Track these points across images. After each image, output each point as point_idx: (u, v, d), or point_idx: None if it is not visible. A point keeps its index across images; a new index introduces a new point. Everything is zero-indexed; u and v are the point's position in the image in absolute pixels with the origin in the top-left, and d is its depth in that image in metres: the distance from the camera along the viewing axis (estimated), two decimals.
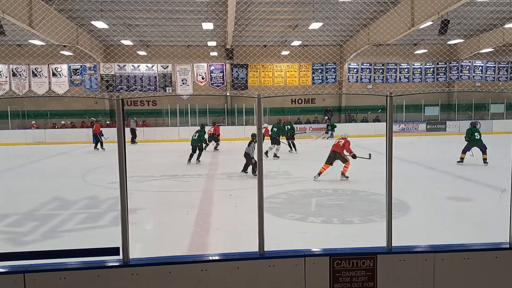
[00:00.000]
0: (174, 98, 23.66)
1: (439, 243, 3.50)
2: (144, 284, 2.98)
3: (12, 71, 21.98)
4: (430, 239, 5.36)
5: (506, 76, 25.48)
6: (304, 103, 26.17)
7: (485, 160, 11.51)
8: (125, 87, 23.09)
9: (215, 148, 17.14)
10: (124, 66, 23.07)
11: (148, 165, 13.34)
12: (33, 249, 4.96)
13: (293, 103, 25.79)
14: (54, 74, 22.26)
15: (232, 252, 3.33)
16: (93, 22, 17.07)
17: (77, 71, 22.51)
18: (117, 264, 2.98)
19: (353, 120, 25.60)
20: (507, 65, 25.39)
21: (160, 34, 20.73)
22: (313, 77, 24.60)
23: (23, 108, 22.44)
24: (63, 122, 23.46)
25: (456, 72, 25.27)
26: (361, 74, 25.10)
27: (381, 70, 25.25)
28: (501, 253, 3.27)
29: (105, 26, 17.84)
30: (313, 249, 3.21)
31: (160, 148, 17.13)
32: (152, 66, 23.36)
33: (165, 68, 23.43)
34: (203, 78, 23.61)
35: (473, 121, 17.08)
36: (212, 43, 22.96)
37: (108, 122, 23.82)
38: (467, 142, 11.80)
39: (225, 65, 23.92)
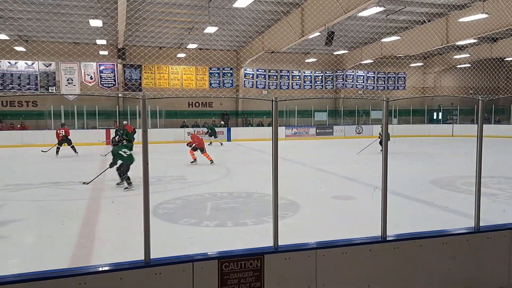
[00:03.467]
0: (58, 98, 21.72)
1: (324, 240, 3.74)
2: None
3: None
4: (317, 237, 5.72)
5: (383, 85, 28.67)
6: (202, 106, 26.14)
7: None
8: (0, 86, 20.50)
9: (75, 152, 15.95)
10: (0, 62, 20.48)
11: (27, 171, 12.02)
12: None
13: (190, 106, 25.60)
14: None
15: (116, 262, 3.13)
16: None
17: None
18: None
19: (249, 124, 26.33)
20: (384, 76, 28.60)
21: (42, 29, 18.82)
22: (210, 81, 24.74)
23: None
24: None
25: (341, 80, 27.66)
26: (257, 79, 25.99)
27: (275, 77, 26.45)
28: (374, 246, 3.61)
29: None
30: (201, 253, 3.18)
31: (42, 153, 15.52)
32: (33, 64, 21.17)
33: (47, 66, 21.39)
34: (91, 78, 22.13)
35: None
36: (101, 42, 21.56)
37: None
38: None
39: (117, 65, 22.72)
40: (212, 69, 24.59)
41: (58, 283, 2.75)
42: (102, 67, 22.29)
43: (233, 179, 11.26)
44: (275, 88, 26.39)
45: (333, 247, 3.51)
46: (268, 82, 26.27)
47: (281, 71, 26.47)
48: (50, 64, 21.35)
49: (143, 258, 3.01)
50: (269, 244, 3.36)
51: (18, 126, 21.54)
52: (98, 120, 22.41)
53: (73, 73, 21.58)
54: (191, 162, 13.38)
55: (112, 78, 22.61)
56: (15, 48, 20.84)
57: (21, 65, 20.99)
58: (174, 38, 20.87)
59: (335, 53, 25.77)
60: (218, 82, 24.95)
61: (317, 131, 25.81)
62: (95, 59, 22.32)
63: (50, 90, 21.52)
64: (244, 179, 10.95)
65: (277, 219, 3.36)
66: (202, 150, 13.30)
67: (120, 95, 22.93)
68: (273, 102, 3.34)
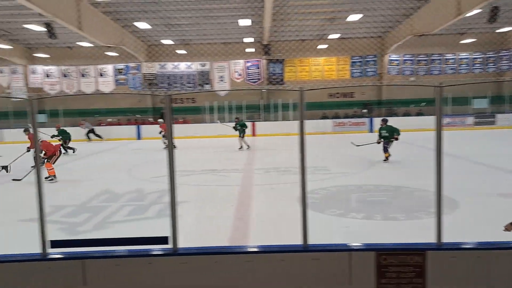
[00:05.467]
0: (212, 95, 24.02)
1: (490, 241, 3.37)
2: (192, 272, 3.09)
3: (63, 72, 23.17)
4: (479, 237, 5.17)
5: None
6: (343, 97, 25.77)
7: None
8: (166, 85, 23.72)
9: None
10: (165, 65, 23.69)
11: (190, 160, 13.68)
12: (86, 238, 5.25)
13: (331, 97, 25.47)
14: (100, 74, 23.25)
15: (275, 244, 3.38)
16: (136, 23, 17.65)
17: (122, 70, 23.38)
18: (167, 252, 3.11)
19: (394, 114, 24.94)
20: None
21: (199, 32, 21.10)
22: (351, 70, 24.14)
23: (73, 107, 23.61)
24: (109, 119, 24.48)
25: (507, 62, 23.95)
26: (403, 66, 24.35)
27: (424, 62, 24.38)
28: None
29: (148, 27, 18.39)
30: (359, 244, 3.20)
31: (200, 144, 17.48)
32: (191, 64, 23.83)
33: (203, 66, 23.82)
34: (239, 75, 23.80)
35: None
36: (248, 40, 23.07)
37: (150, 119, 24.61)
38: None
39: (261, 61, 23.97)
40: (354, 58, 23.96)
41: (228, 258, 3.11)
42: (248, 64, 23.81)
43: (377, 171, 10.88)
44: (424, 74, 24.33)
45: (508, 248, 3.13)
46: (417, 68, 24.37)
47: (431, 55, 24.26)
48: (205, 64, 23.74)
49: (298, 243, 3.17)
50: (426, 240, 3.20)
51: (180, 120, 24.58)
52: (245, 113, 24.07)
53: (224, 71, 23.59)
54: (47, 178, 9.83)
55: (257, 73, 23.96)
56: (177, 51, 23.83)
57: (182, 66, 23.86)
58: (315, 30, 21.01)
59: (498, 30, 22.43)
60: (360, 71, 24.21)
61: (476, 120, 22.97)
62: (243, 57, 23.97)
63: (205, 88, 23.98)
64: (389, 172, 10.48)
65: (441, 214, 3.16)
66: (50, 159, 10.06)
67: (263, 88, 24.17)
68: (437, 88, 3.13)
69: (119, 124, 24.44)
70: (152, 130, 22.30)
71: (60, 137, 15.07)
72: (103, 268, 3.08)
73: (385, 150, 11.80)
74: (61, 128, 15.82)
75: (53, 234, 3.29)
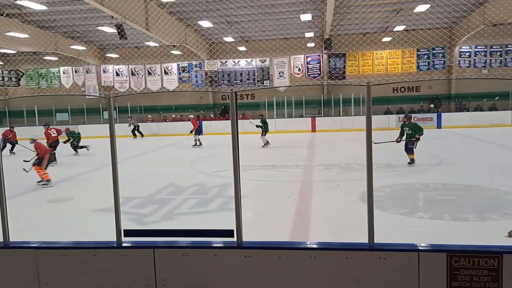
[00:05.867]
0: (272, 90, 24.10)
1: None
2: (256, 266, 3.15)
3: (131, 70, 24.54)
4: None
5: None
6: (408, 91, 24.65)
7: None
8: (226, 82, 24.22)
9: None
10: (226, 62, 24.18)
11: (248, 155, 13.88)
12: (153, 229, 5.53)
13: (395, 91, 24.47)
14: (165, 72, 24.31)
15: (340, 242, 3.34)
16: (199, 22, 18.19)
17: (185, 68, 24.27)
18: (232, 245, 3.20)
19: (464, 109, 23.40)
20: None
21: (259, 28, 21.24)
22: (418, 63, 22.98)
23: (140, 104, 24.94)
24: (173, 115, 25.54)
25: None
26: (475, 58, 22.73)
27: (498, 53, 22.57)
28: None
29: (210, 25, 18.87)
30: (428, 244, 3.07)
31: (259, 139, 17.62)
32: (251, 61, 24.08)
33: (263, 62, 23.96)
34: (299, 70, 23.63)
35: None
36: (309, 34, 22.83)
37: (212, 115, 25.31)
38: None
39: (322, 56, 23.61)
40: (421, 50, 22.78)
41: (292, 254, 3.13)
42: (309, 59, 23.57)
43: (445, 169, 10.30)
44: (498, 66, 22.54)
45: None
46: (490, 60, 22.63)
47: (506, 45, 22.39)
48: (265, 60, 23.88)
49: (363, 241, 3.11)
50: (501, 243, 2.99)
51: (240, 116, 24.98)
52: (305, 109, 23.89)
53: (283, 66, 23.56)
54: (40, 182, 9.48)
55: (318, 68, 23.64)
56: (238, 48, 24.20)
57: (243, 63, 24.20)
58: (379, 22, 20.27)
59: None
60: (427, 64, 22.98)
61: None
62: (303, 52, 23.76)
63: (264, 84, 24.12)
64: (458, 170, 9.87)
65: None
66: (40, 163, 9.50)
67: (324, 83, 23.82)
68: None
69: (182, 120, 25.38)
70: (213, 126, 22.95)
71: (72, 139, 15.10)
72: (171, 257, 3.24)
73: (410, 151, 10.37)
74: (70, 130, 15.60)
75: (123, 224, 3.51)
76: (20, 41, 18.43)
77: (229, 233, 3.21)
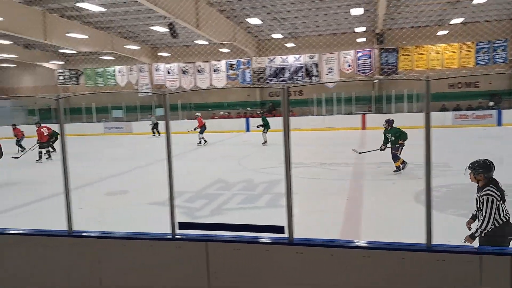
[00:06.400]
0: (320, 87, 23.78)
1: None
2: (307, 263, 3.12)
3: (182, 69, 25.24)
4: None
5: None
6: (466, 87, 23.36)
7: None
8: (274, 79, 24.23)
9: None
10: (274, 58, 24.18)
11: (296, 152, 13.76)
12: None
13: (452, 87, 23.27)
14: (214, 70, 24.76)
15: (396, 242, 3.23)
16: (248, 19, 18.32)
17: (233, 66, 24.57)
18: (283, 242, 3.19)
19: None
20: None
21: (308, 24, 21.04)
22: (476, 57, 21.70)
23: (190, 101, 25.58)
24: (221, 112, 25.96)
25: None
26: None
27: None
28: None
29: (259, 22, 18.95)
30: (490, 247, 2.89)
31: (307, 136, 17.49)
32: (299, 57, 23.91)
33: (311, 58, 23.71)
34: (349, 66, 23.14)
35: None
36: (360, 29, 22.26)
37: (258, 112, 25.41)
38: None
39: (373, 51, 22.94)
40: (480, 43, 21.50)
41: (345, 253, 3.07)
42: (359, 54, 23.02)
43: (507, 169, 9.64)
44: None
45: None
46: None
47: None
48: (314, 56, 23.61)
49: (419, 241, 2.99)
50: None
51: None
52: (355, 105, 23.35)
53: (332, 62, 23.18)
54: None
55: (368, 64, 23.03)
56: (286, 45, 24.12)
57: (291, 59, 24.09)
58: (435, 15, 19.34)
59: None
60: (487, 58, 21.64)
61: None
62: (353, 47, 23.23)
63: (312, 80, 23.87)
64: None
65: None
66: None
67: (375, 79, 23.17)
68: None
69: (230, 117, 25.73)
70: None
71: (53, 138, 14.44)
72: (223, 251, 3.29)
73: (395, 158, 9.48)
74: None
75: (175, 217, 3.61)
76: (79, 41, 19.55)
77: (279, 229, 3.20)
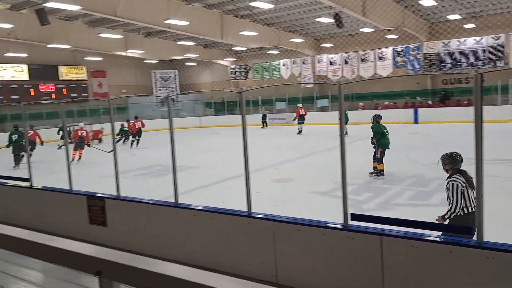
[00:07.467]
0: (507, 73, 20.36)
1: None
2: (499, 270, 2.74)
3: (345, 59, 24.93)
4: None
5: None
6: None
7: None
8: (449, 64, 21.82)
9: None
10: (449, 42, 21.74)
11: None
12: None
13: None
14: (379, 58, 23.68)
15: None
16: (420, 2, 16.87)
17: (401, 53, 23.05)
18: (471, 244, 2.87)
19: None
20: None
21: (492, 1, 18.20)
22: None
23: (352, 92, 25.09)
24: (386, 102, 24.75)
25: None
26: None
27: None
28: None
29: (433, 3, 17.25)
30: None
31: (488, 128, 15.20)
32: (481, 39, 20.91)
33: (496, 40, 20.48)
34: None
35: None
36: None
37: (429, 102, 23.36)
38: None
39: None
40: None
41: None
42: None
43: None
44: None
45: None
46: None
47: None
48: (499, 37, 20.35)
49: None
50: None
51: (465, 102, 22.09)
52: None
53: None
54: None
55: None
56: (464, 26, 21.35)
57: (470, 42, 21.28)
58: None
59: None
60: None
61: None
62: None
63: (497, 65, 20.63)
64: None
65: None
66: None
67: None
68: None
69: (396, 107, 24.31)
70: (433, 113, 21.17)
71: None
72: (400, 248, 3.15)
73: (374, 158, 8.73)
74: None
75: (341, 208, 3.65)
76: (249, 38, 21.19)
77: (467, 230, 2.89)
